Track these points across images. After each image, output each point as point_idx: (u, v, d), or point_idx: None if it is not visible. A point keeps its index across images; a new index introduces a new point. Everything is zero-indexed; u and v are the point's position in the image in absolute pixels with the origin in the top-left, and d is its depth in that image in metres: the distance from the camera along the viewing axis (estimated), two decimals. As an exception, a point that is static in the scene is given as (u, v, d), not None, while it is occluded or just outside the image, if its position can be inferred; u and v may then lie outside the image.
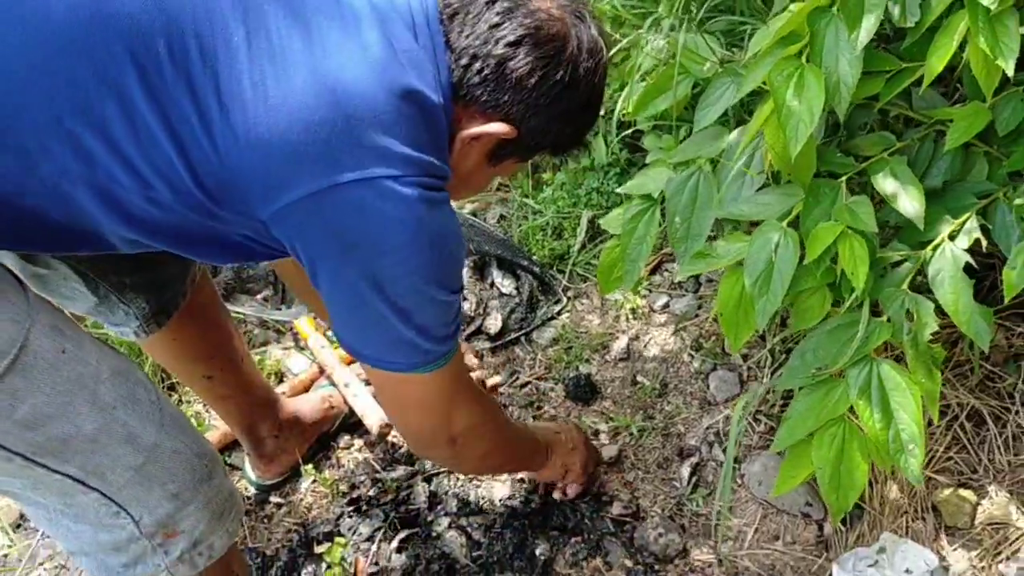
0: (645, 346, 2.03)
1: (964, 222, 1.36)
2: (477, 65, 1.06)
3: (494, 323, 2.16)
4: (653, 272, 2.17)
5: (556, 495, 1.73)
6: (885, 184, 1.37)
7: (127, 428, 1.07)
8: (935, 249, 1.35)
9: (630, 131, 2.07)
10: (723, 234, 1.68)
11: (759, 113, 1.42)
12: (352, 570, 1.69)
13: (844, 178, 1.40)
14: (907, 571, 1.52)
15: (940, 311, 1.32)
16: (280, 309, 2.30)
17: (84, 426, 1.02)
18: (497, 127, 1.10)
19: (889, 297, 1.34)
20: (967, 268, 1.31)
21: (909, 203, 1.33)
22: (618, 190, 1.81)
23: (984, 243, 1.33)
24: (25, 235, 1.00)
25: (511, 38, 1.05)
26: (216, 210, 0.99)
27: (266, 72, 0.94)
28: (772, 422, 1.76)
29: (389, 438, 1.96)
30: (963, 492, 1.58)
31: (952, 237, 1.35)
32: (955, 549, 1.52)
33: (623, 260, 1.67)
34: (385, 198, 0.97)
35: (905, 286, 1.35)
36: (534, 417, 1.95)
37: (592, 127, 1.27)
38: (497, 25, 1.05)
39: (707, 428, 1.81)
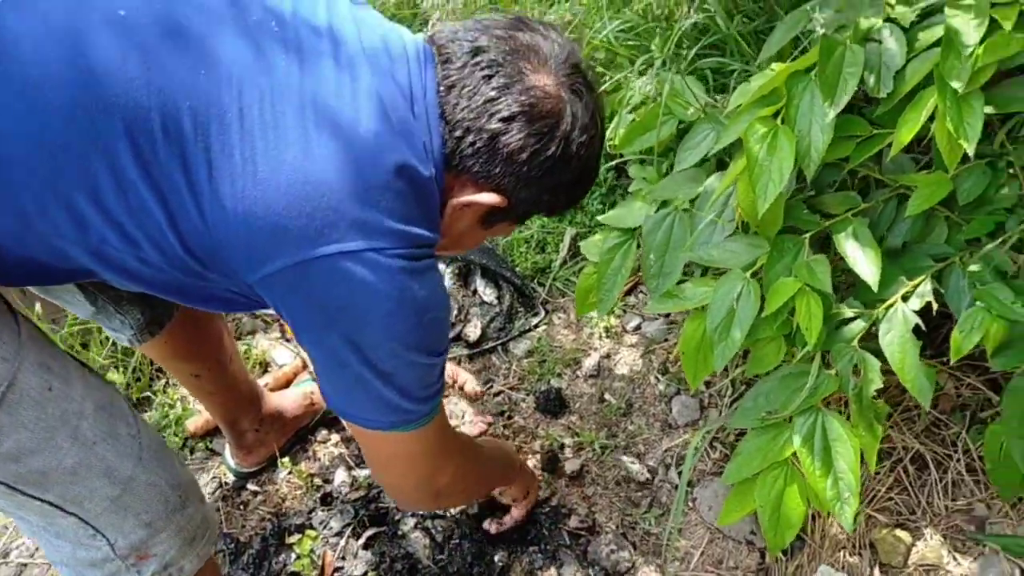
0: (615, 365, 2.12)
1: (919, 284, 1.45)
2: (470, 138, 1.09)
3: (474, 331, 2.25)
4: (629, 292, 2.26)
5: (492, 528, 1.80)
6: (846, 245, 1.45)
7: (105, 462, 1.12)
8: (888, 309, 1.44)
9: (615, 162, 2.16)
10: (694, 275, 1.77)
11: (733, 166, 1.50)
12: (320, 563, 1.78)
13: (808, 235, 1.48)
14: (839, 603, 1.63)
15: (884, 370, 1.41)
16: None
17: (64, 460, 1.07)
18: (488, 197, 1.13)
19: (839, 352, 1.43)
20: (916, 328, 1.40)
21: (866, 266, 1.41)
22: (600, 219, 1.89)
23: (935, 306, 1.41)
24: (27, 275, 1.06)
25: (505, 113, 1.08)
26: (204, 272, 1.04)
27: (256, 147, 0.96)
28: (727, 450, 1.86)
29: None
30: (900, 532, 1.68)
31: (905, 298, 1.44)
32: (886, 586, 1.63)
33: (599, 287, 1.75)
34: (368, 268, 1.00)
35: (855, 342, 1.44)
36: (504, 426, 2.04)
37: (584, 196, 1.31)
38: (492, 100, 1.07)
39: (666, 451, 1.91)
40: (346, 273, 0.99)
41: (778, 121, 1.42)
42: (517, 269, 2.35)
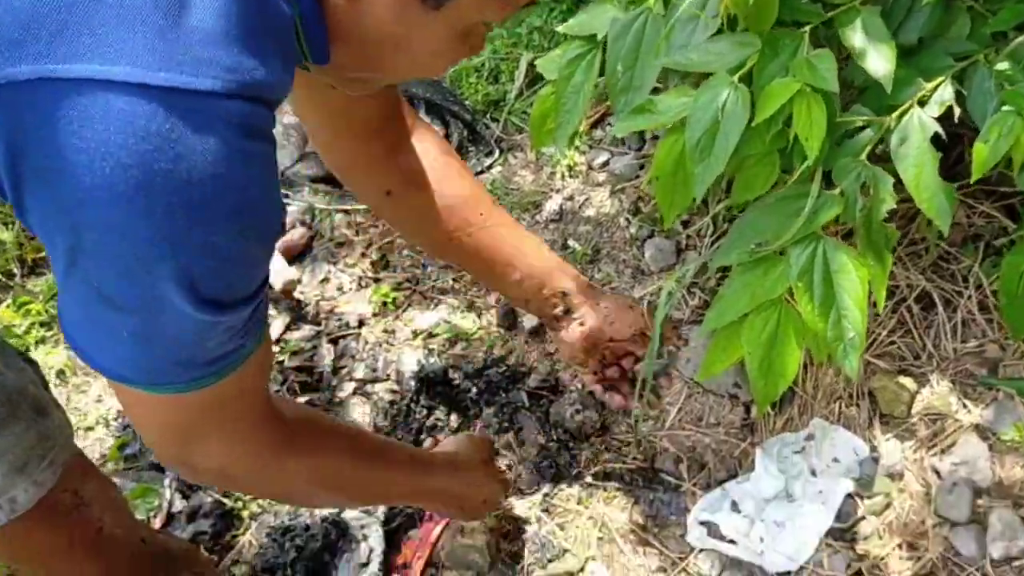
0: (580, 207, 1.88)
1: (937, 86, 1.21)
2: None
3: (418, 174, 1.98)
4: (595, 126, 1.99)
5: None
6: (854, 38, 1.19)
7: None
8: (902, 116, 1.20)
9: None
10: (669, 88, 1.51)
11: (718, -55, 1.22)
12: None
13: (808, 28, 1.22)
14: (835, 459, 1.46)
15: (899, 186, 1.19)
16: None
17: None
18: None
19: (844, 168, 1.20)
20: (935, 139, 1.17)
21: (878, 61, 1.16)
22: (559, 29, 1.60)
23: (957, 112, 1.18)
24: None
25: None
26: None
27: None
28: (707, 296, 1.65)
29: (295, 295, 1.82)
30: (903, 379, 1.49)
31: (922, 103, 1.20)
32: (888, 439, 1.45)
33: (557, 110, 1.49)
34: (113, 116, 0.60)
35: (863, 156, 1.20)
36: (453, 280, 1.81)
37: None
38: None
39: (639, 299, 1.69)
40: (86, 113, 0.60)
41: None
42: (467, 103, 2.07)
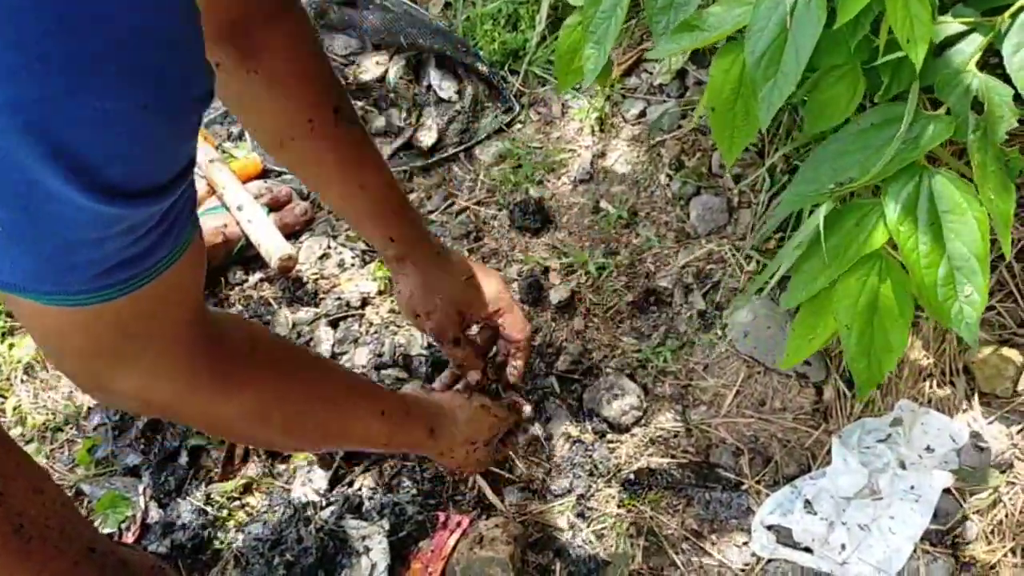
0: (613, 165, 1.65)
1: (1059, -21, 0.97)
2: None
3: (428, 135, 1.77)
4: (628, 73, 1.76)
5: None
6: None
7: None
8: (1015, 15, 0.96)
9: None
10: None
11: None
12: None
13: (898, -92, 0.99)
14: (928, 448, 1.22)
15: (1018, 102, 0.95)
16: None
17: None
18: None
19: (949, 81, 0.96)
20: (1060, 43, 0.94)
21: (990, -58, 0.92)
22: (582, -50, 1.38)
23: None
24: None
25: None
26: None
27: None
28: (766, 259, 1.41)
29: (293, 273, 1.61)
30: (1006, 351, 1.26)
31: (1040, -1, 0.97)
32: (991, 422, 1.22)
33: (585, 41, 1.27)
34: None
35: (971, 67, 0.96)
36: (469, 251, 1.59)
37: None
38: None
39: (683, 267, 1.46)
40: None
41: None
42: (482, 54, 1.85)
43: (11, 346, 1.61)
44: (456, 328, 1.24)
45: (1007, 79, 0.95)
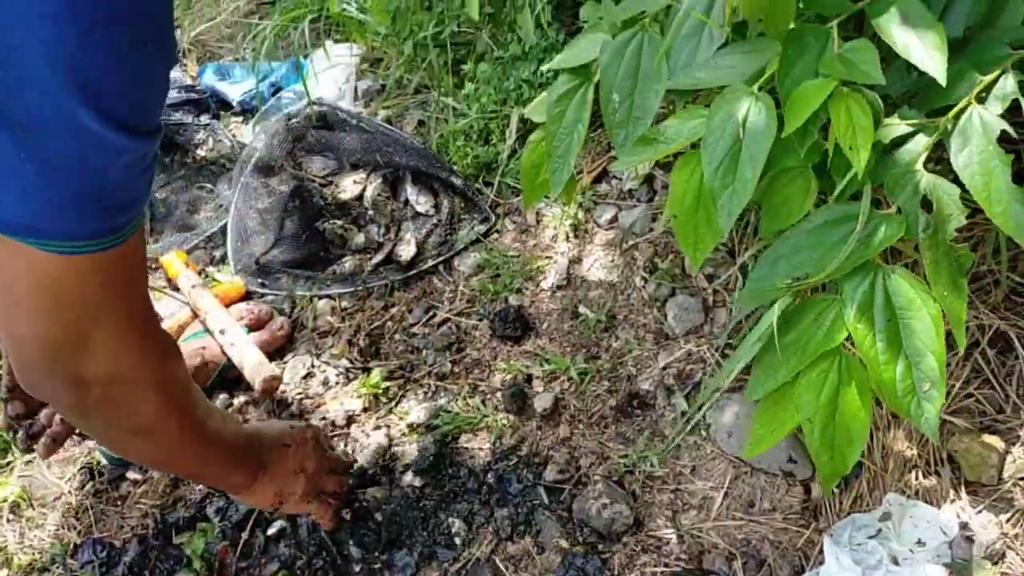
0: (588, 270, 1.69)
1: (996, 79, 1.03)
2: None
3: (407, 249, 1.82)
4: (598, 180, 1.82)
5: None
6: (891, 28, 1.02)
7: None
8: (958, 116, 1.01)
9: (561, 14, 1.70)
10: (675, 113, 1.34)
11: (717, -62, 1.06)
12: (216, 564, 1.36)
13: (836, 22, 1.05)
14: (919, 542, 1.22)
15: (964, 200, 1.00)
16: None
17: None
18: None
19: (898, 180, 1.01)
20: (1002, 140, 0.98)
21: (927, 52, 0.98)
22: (544, 67, 1.45)
23: (1024, 105, 1.00)
24: None
25: None
26: None
27: None
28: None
29: (277, 394, 1.62)
30: (987, 438, 1.27)
31: (980, 100, 1.02)
32: (979, 511, 1.22)
33: (549, 157, 1.32)
34: None
35: (919, 166, 1.01)
36: (452, 363, 1.61)
37: None
38: None
39: (664, 368, 1.48)
40: None
41: None
42: (456, 168, 1.91)
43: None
44: None
45: (955, 177, 0.99)
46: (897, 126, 1.04)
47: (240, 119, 2.31)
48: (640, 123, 1.21)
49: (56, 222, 0.73)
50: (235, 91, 2.32)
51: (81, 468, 1.58)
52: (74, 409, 0.93)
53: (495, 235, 1.82)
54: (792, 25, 1.06)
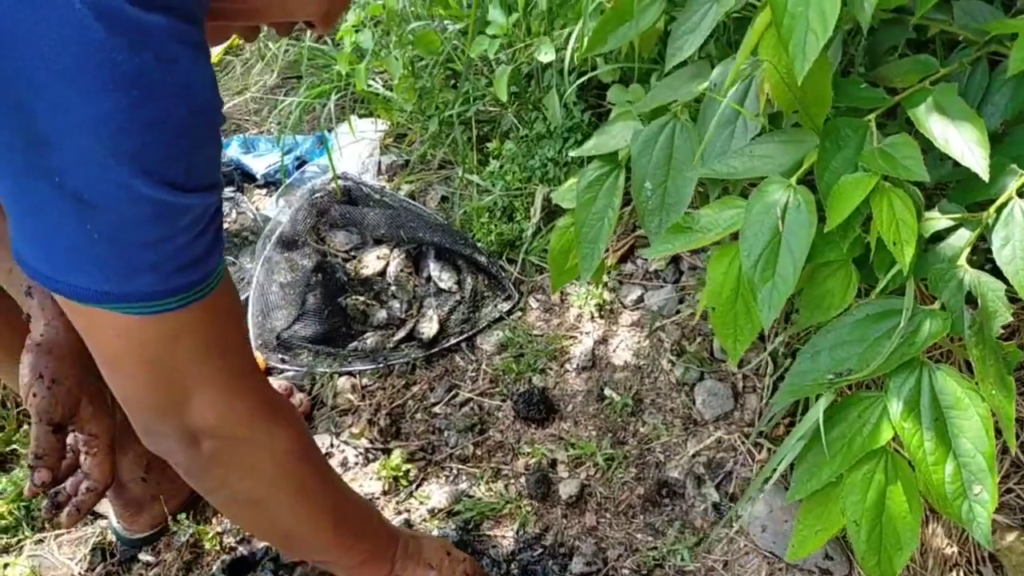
0: (614, 351, 1.67)
1: (1037, 172, 1.02)
2: None
3: (429, 326, 1.80)
4: (624, 260, 1.81)
5: None
6: (929, 121, 1.02)
7: None
8: (1000, 210, 1.00)
9: (587, 78, 1.70)
10: (708, 201, 1.34)
11: (752, 31, 1.07)
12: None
13: (874, 114, 1.05)
14: (964, 647, 1.17)
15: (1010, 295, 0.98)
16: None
17: None
18: None
19: (941, 276, 0.99)
20: (1045, 234, 0.97)
21: (967, 145, 0.98)
22: (572, 153, 1.45)
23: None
24: None
25: None
26: None
27: None
28: (776, 446, 1.40)
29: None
30: (1032, 536, 1.23)
31: (1021, 194, 1.01)
32: (1027, 615, 1.17)
33: (579, 243, 1.32)
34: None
35: (962, 261, 1.00)
36: (474, 445, 1.58)
37: None
38: None
39: (693, 456, 1.45)
40: None
41: (811, -48, 0.99)
42: (480, 245, 1.90)
43: (5, 565, 1.57)
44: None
45: (998, 271, 0.98)
46: (938, 220, 1.03)
47: (264, 192, 2.32)
48: (673, 211, 1.21)
49: (132, 285, 0.75)
50: (259, 164, 2.34)
51: (93, 548, 1.55)
52: (190, 470, 0.95)
53: (519, 313, 1.81)
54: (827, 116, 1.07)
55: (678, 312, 1.67)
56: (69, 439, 1.11)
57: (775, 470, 1.09)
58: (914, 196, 0.99)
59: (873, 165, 0.97)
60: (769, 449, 1.41)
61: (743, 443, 1.44)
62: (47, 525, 1.61)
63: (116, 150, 0.68)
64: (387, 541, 1.19)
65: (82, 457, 1.11)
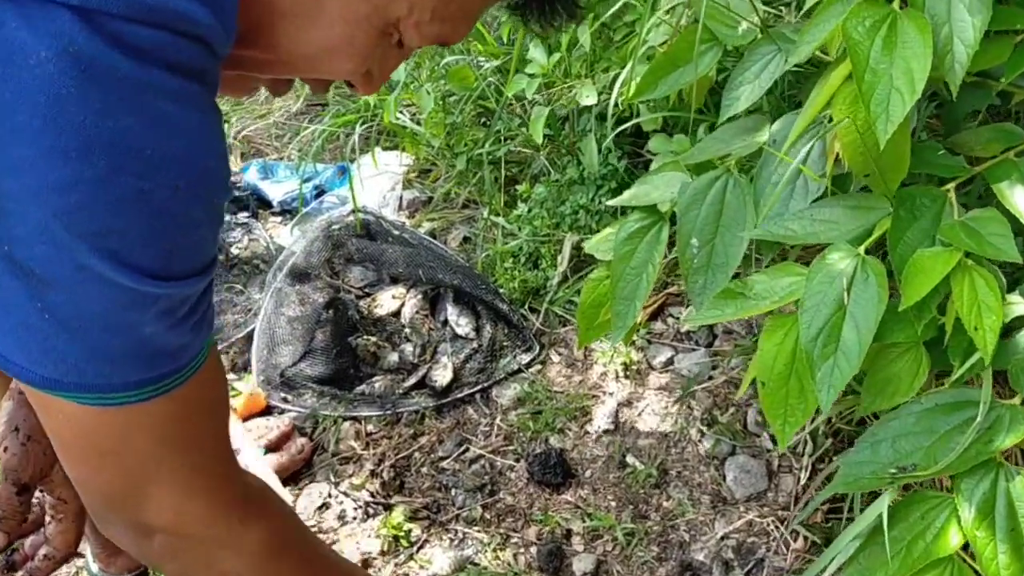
0: (639, 415, 1.57)
1: None
2: None
3: (443, 374, 1.71)
4: (654, 317, 1.73)
5: None
6: (1013, 194, 0.93)
7: None
8: (1087, 301, 0.91)
9: (629, 125, 1.63)
10: (757, 266, 1.25)
11: (824, 84, 0.99)
12: None
13: (952, 185, 0.96)
14: None
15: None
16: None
17: None
18: None
19: (1023, 367, 0.89)
20: None
21: (1057, 224, 0.89)
22: (611, 202, 1.38)
23: None
24: None
25: None
26: None
27: None
28: (816, 537, 1.30)
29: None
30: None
31: (1114, 280, 0.92)
32: None
33: (613, 298, 1.23)
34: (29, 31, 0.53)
35: (1047, 353, 0.90)
36: (483, 507, 1.48)
37: None
38: None
39: (722, 539, 1.35)
40: None
41: (894, 5, 0.93)
42: (502, 291, 1.82)
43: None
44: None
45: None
46: (1018, 304, 0.94)
47: (279, 219, 2.25)
48: (720, 271, 1.12)
49: (84, 376, 0.63)
50: (277, 191, 2.27)
51: (67, 591, 1.45)
52: (140, 557, 0.85)
53: (539, 367, 1.72)
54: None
55: (710, 378, 1.58)
56: (36, 494, 1.01)
57: (823, 570, 0.99)
58: (996, 276, 0.90)
59: (955, 240, 0.88)
60: (806, 538, 1.31)
61: (777, 528, 1.34)
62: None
63: (72, 227, 0.57)
64: None
65: (47, 519, 1.01)
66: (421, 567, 1.41)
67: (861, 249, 0.94)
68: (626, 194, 1.30)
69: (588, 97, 1.61)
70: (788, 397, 0.98)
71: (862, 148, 0.96)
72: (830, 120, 1.08)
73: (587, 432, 1.58)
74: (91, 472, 0.74)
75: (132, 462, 0.72)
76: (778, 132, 1.13)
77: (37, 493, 1.02)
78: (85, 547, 1.46)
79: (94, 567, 1.45)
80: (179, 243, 0.63)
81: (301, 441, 1.64)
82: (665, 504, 1.43)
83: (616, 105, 1.49)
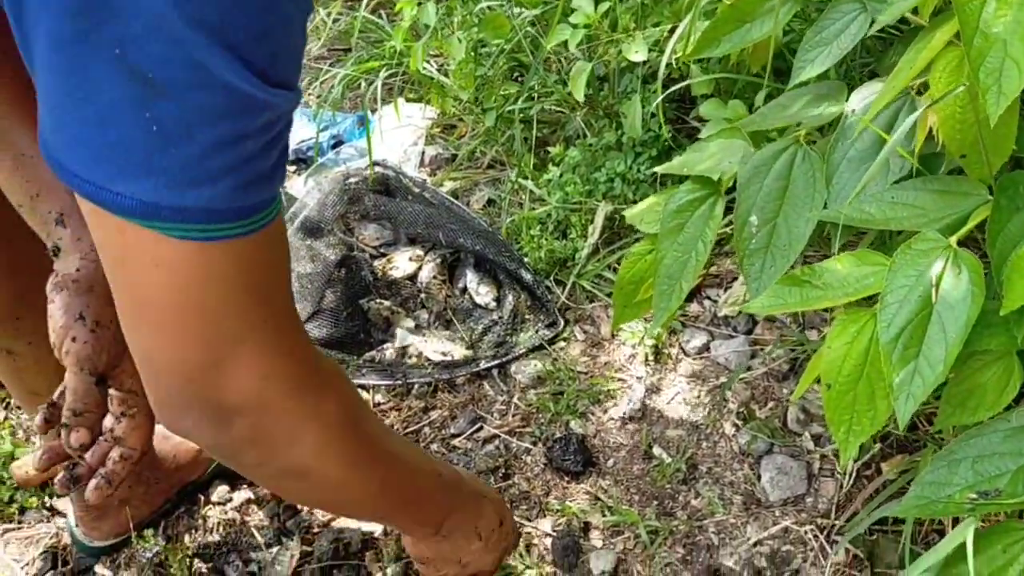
0: (668, 404, 1.48)
1: None
2: None
3: (459, 344, 1.61)
4: (689, 298, 1.62)
5: None
6: None
7: None
8: None
9: (680, 87, 1.51)
10: (820, 250, 1.15)
11: (921, 48, 0.88)
12: None
13: (1064, 172, 0.86)
14: None
15: None
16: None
17: None
18: None
19: None
20: None
21: None
22: (657, 169, 1.27)
23: None
24: None
25: None
26: None
27: None
28: (859, 551, 1.20)
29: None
30: None
31: None
32: None
33: (657, 276, 1.13)
34: None
35: None
36: (496, 491, 1.39)
37: None
38: None
39: (755, 545, 1.26)
40: None
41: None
42: (526, 260, 1.72)
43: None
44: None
45: None
46: None
47: (293, 168, 2.15)
48: (781, 254, 1.02)
49: (189, 197, 0.62)
50: (291, 138, 2.16)
51: (44, 551, 1.37)
52: (218, 449, 0.80)
53: (562, 343, 1.62)
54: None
55: (749, 369, 1.47)
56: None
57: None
58: (1112, 283, 0.79)
59: (1070, 237, 0.78)
60: (848, 551, 1.21)
61: (816, 538, 1.24)
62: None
63: (194, 19, 0.56)
64: (443, 508, 1.06)
65: (111, 420, 0.94)
66: None
67: (953, 240, 0.84)
68: (676, 160, 1.20)
69: (637, 53, 1.49)
70: (856, 403, 0.88)
71: (961, 125, 0.86)
72: (920, 91, 0.97)
73: (611, 418, 1.48)
74: (170, 338, 0.70)
75: (222, 316, 0.69)
76: (858, 102, 1.01)
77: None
78: (68, 507, 1.38)
79: (76, 531, 1.37)
80: (282, 44, 0.63)
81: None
82: (693, 502, 1.34)
83: (671, 63, 1.38)
